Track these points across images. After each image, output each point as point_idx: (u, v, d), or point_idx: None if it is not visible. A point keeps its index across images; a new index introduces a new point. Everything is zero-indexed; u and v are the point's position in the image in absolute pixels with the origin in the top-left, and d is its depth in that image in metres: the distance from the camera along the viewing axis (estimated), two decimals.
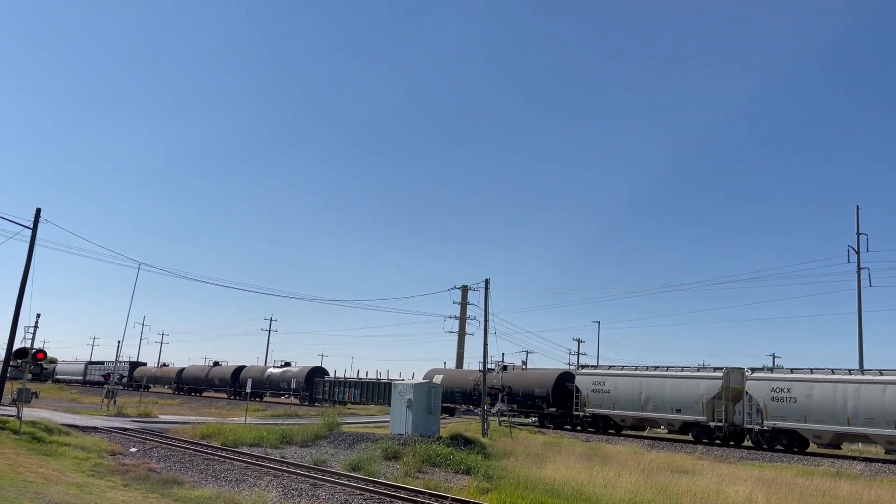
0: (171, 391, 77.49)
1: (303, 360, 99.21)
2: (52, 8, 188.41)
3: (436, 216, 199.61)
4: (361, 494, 15.19)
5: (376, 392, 52.08)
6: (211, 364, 75.45)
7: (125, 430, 27.09)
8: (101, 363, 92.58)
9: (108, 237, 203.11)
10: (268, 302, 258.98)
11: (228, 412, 42.72)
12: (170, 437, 24.86)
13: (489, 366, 37.61)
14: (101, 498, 13.00)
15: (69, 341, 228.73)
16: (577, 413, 38.77)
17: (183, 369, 78.87)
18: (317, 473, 17.82)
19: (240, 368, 69.43)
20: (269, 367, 66.94)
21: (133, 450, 21.75)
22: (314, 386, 58.16)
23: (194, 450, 21.70)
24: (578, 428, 39.13)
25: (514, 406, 41.98)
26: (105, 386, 53.41)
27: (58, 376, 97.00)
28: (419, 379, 48.35)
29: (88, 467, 17.60)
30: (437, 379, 47.20)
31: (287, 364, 65.98)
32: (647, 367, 36.94)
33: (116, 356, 61.82)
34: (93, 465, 17.89)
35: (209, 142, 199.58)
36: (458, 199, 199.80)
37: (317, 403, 55.81)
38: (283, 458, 20.93)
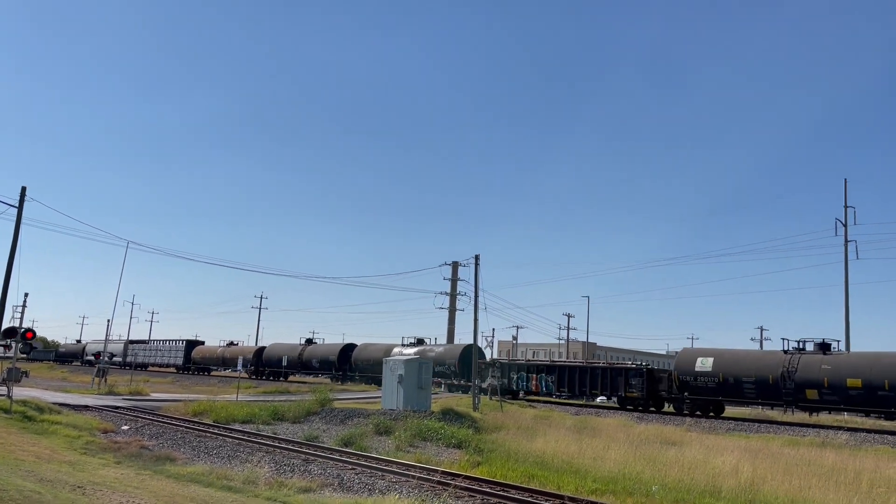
0: (245, 375, 63.44)
1: (293, 337, 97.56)
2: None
3: (426, 193, 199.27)
4: (353, 469, 15.31)
5: (590, 379, 38.96)
6: (303, 342, 63.56)
7: (117, 408, 27.11)
8: (145, 342, 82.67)
9: (97, 216, 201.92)
10: (259, 280, 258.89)
11: (220, 390, 42.81)
12: (161, 415, 24.91)
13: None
14: (93, 475, 13.03)
15: (58, 321, 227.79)
16: None
17: (263, 349, 66.93)
18: (309, 449, 17.92)
19: (349, 347, 58.34)
20: (397, 345, 54.42)
21: (125, 427, 21.79)
22: (471, 371, 46.21)
23: (186, 427, 21.76)
24: None
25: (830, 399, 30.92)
26: (96, 365, 51.88)
27: (88, 357, 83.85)
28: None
29: (80, 445, 17.63)
30: (704, 363, 34.77)
31: (420, 341, 53.84)
32: None
33: (107, 334, 59.92)
34: (85, 443, 17.92)
35: (201, 120, 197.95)
36: (448, 176, 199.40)
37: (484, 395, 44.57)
38: (276, 434, 21.02)
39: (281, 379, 60.52)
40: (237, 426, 22.62)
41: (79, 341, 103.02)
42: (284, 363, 62.74)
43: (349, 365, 56.85)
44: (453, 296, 56.91)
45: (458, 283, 56.21)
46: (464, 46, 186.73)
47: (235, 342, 73.77)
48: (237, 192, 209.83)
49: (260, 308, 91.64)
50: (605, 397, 39.80)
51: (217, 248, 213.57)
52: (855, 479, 15.50)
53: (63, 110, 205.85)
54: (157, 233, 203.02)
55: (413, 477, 14.12)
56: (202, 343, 76.30)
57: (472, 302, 36.43)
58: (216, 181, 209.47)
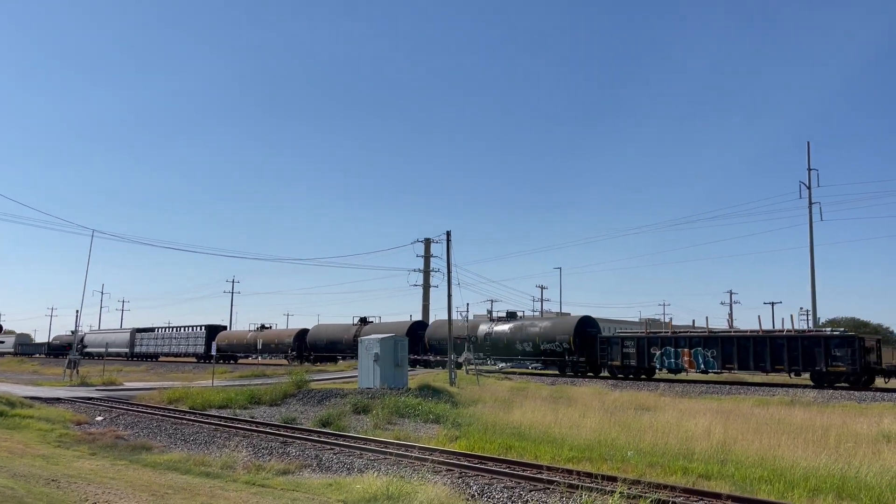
0: (284, 361, 58.57)
1: (267, 321, 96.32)
2: None
3: (399, 169, 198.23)
4: (332, 449, 15.34)
5: (770, 351, 31.58)
6: (357, 322, 55.73)
7: (90, 399, 26.78)
8: (152, 330, 74.46)
9: (62, 205, 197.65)
10: (231, 264, 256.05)
11: (195, 376, 42.53)
12: (136, 404, 24.68)
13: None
14: (68, 468, 12.90)
15: (27, 313, 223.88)
16: None
17: (305, 331, 59.94)
18: (287, 431, 17.93)
19: (419, 325, 50.27)
20: (484, 320, 46.19)
21: (99, 418, 21.56)
22: (592, 346, 38.42)
23: (162, 415, 21.61)
24: None
25: None
26: (67, 356, 50.15)
27: (88, 349, 76.55)
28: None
29: (54, 438, 17.41)
30: None
31: (513, 315, 45.47)
32: None
33: (76, 325, 57.94)
34: (58, 436, 17.70)
35: (164, 103, 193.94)
36: (420, 151, 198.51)
37: (601, 373, 38.06)
38: (253, 417, 20.99)
39: (329, 364, 54.85)
40: (214, 412, 22.53)
41: (73, 332, 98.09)
42: (293, 347, 58.55)
43: (421, 346, 48.64)
44: (427, 272, 56.94)
45: (431, 259, 56.25)
46: (447, 32, 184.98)
47: (268, 325, 67.43)
48: (206, 176, 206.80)
49: (232, 292, 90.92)
50: (791, 374, 32.10)
51: (186, 234, 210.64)
52: (823, 435, 15.94)
53: (28, 90, 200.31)
54: (125, 221, 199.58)
55: (391, 454, 14.21)
56: (225, 328, 69.27)
57: (446, 278, 36.45)
58: (183, 166, 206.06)
